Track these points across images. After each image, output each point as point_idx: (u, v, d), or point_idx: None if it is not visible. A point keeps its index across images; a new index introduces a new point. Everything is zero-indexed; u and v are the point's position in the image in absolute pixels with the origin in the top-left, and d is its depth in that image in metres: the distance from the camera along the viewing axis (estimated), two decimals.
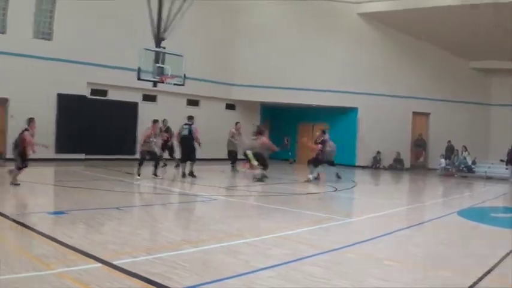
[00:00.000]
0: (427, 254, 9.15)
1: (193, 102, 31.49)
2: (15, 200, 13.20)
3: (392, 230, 11.28)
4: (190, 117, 21.13)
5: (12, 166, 15.34)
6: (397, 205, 16.31)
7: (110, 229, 10.00)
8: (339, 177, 21.79)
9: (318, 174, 21.71)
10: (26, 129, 15.16)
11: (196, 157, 20.65)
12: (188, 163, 20.41)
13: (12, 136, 23.11)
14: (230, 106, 34.01)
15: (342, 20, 32.76)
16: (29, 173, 19.53)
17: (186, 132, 20.47)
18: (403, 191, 22.84)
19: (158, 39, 22.00)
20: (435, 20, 29.10)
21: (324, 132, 22.63)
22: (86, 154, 26.24)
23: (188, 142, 20.47)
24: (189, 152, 20.41)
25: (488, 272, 7.57)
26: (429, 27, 30.71)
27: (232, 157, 24.24)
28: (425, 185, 25.27)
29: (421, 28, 31.54)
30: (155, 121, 20.41)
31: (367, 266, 7.91)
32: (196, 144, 20.64)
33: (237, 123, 24.69)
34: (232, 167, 24.17)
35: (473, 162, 29.96)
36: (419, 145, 34.00)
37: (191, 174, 20.21)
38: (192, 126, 20.69)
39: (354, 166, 31.23)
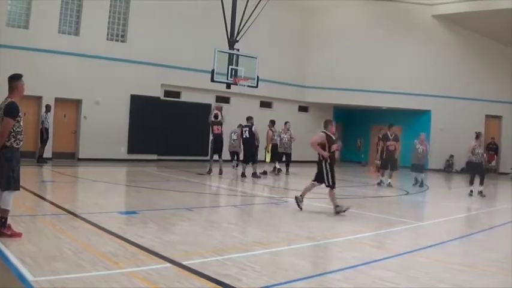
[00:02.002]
0: (500, 258, 8.75)
1: (266, 104, 31.50)
2: (87, 200, 13.38)
3: (464, 234, 11.03)
4: (249, 118, 21.34)
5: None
6: (469, 209, 15.88)
7: (180, 229, 10.00)
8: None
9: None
10: (323, 131, 13.01)
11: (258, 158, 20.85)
12: (247, 164, 20.78)
13: (86, 137, 23.70)
14: (303, 108, 33.90)
15: (416, 22, 32.16)
16: (101, 173, 19.94)
17: (246, 134, 20.75)
18: (475, 194, 22.18)
19: (232, 42, 22.03)
20: (510, 21, 28.17)
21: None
22: (158, 155, 26.56)
23: (249, 143, 20.80)
24: (250, 154, 20.77)
25: None
26: (503, 29, 29.85)
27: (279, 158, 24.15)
28: (497, 189, 24.58)
29: (494, 29, 30.67)
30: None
31: (438, 270, 7.66)
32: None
33: (286, 122, 24.35)
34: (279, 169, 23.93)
35: None
36: (491, 149, 33.05)
37: (254, 175, 20.61)
38: (253, 127, 20.88)
39: (427, 169, 30.52)
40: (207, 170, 21.41)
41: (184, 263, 7.12)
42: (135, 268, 6.75)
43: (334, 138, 12.83)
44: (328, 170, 12.62)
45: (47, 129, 21.78)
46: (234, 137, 23.25)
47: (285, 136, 23.73)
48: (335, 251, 8.60)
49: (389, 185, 20.17)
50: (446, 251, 9.17)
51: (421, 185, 20.90)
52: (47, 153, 22.25)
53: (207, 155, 27.04)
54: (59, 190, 15.19)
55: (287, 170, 23.74)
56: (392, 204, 16.45)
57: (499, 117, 33.34)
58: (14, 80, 8.18)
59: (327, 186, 12.74)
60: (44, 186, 15.96)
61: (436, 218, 13.52)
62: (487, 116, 33.09)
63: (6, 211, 8.02)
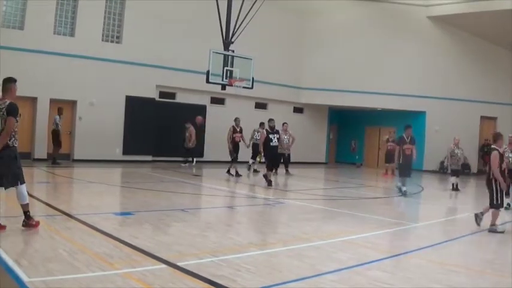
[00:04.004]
0: (495, 260, 8.81)
1: (261, 106, 31.46)
2: (82, 201, 13.37)
3: (459, 235, 11.01)
4: (271, 120, 20.07)
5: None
6: (464, 210, 15.89)
7: (176, 230, 10.01)
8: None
9: None
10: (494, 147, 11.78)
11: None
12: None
13: (81, 138, 23.63)
14: (298, 109, 33.88)
15: (411, 23, 32.15)
16: (96, 174, 19.90)
17: (275, 141, 19.43)
18: (470, 196, 22.20)
19: (227, 43, 22.01)
20: (506, 22, 28.25)
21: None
22: (153, 156, 26.49)
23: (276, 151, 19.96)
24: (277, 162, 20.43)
25: None
26: (496, 30, 29.98)
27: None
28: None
29: (488, 30, 30.79)
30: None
31: (433, 271, 7.69)
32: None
33: (284, 123, 24.17)
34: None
35: None
36: (486, 150, 33.13)
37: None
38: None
39: (421, 171, 30.54)
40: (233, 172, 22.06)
41: (179, 264, 7.12)
42: (130, 269, 6.76)
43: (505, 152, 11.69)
44: (498, 189, 11.51)
45: (57, 132, 21.97)
46: (187, 134, 24.58)
47: (286, 137, 23.55)
48: (330, 252, 8.59)
49: (404, 193, 17.87)
50: (442, 252, 9.19)
51: (457, 188, 20.80)
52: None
53: (202, 156, 27.21)
54: (54, 191, 15.16)
55: (286, 170, 23.76)
56: (387, 206, 16.47)
57: (494, 119, 33.37)
58: (9, 82, 8.64)
59: (492, 206, 11.61)
60: (39, 187, 15.93)
61: (431, 219, 13.55)
62: (482, 117, 33.11)
63: (27, 205, 8.62)
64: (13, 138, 8.42)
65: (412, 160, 18.13)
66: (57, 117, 22.13)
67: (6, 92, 8.56)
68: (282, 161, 23.66)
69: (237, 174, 21.83)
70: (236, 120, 22.96)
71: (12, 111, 8.30)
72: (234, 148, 22.55)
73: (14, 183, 8.48)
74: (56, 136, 22.06)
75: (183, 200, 14.79)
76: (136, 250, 7.79)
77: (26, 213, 8.59)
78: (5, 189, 8.62)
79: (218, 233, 10.04)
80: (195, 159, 26.08)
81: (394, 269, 7.78)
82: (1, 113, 8.33)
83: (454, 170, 21.13)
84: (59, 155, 22.43)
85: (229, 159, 22.72)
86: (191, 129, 25.17)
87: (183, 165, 25.14)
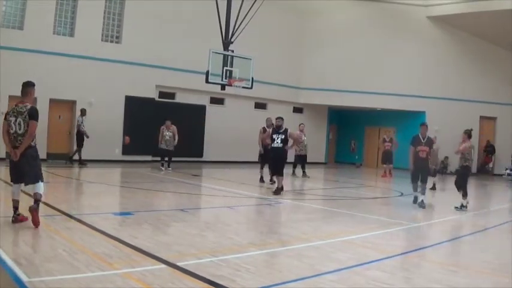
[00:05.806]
0: (494, 260, 8.79)
1: (260, 106, 31.44)
2: (81, 201, 13.37)
3: (458, 235, 11.05)
4: (280, 119, 17.57)
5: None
6: (463, 210, 15.87)
7: (175, 230, 10.01)
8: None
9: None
10: None
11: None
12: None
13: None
14: (297, 109, 33.87)
15: (411, 23, 32.17)
16: (96, 174, 19.90)
17: (278, 142, 17.07)
18: (470, 196, 22.17)
19: (226, 43, 21.99)
20: (505, 22, 28.27)
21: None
22: (152, 156, 26.40)
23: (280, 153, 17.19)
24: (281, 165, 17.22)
25: None
26: (495, 30, 30.00)
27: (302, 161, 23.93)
28: (492, 190, 24.59)
29: (487, 30, 30.87)
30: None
31: (433, 271, 7.69)
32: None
33: (300, 124, 24.02)
34: (304, 172, 23.45)
35: None
36: (488, 151, 33.07)
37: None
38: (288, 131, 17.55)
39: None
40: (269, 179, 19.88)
41: (179, 264, 7.13)
42: (130, 269, 6.76)
43: None
44: None
45: (83, 133, 22.35)
46: (170, 133, 23.08)
47: (305, 138, 23.44)
48: (329, 252, 8.59)
49: (421, 204, 15.18)
50: (441, 252, 9.21)
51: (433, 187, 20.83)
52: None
53: (201, 156, 27.19)
54: (53, 191, 15.07)
55: (303, 172, 23.31)
56: (387, 206, 16.48)
57: (493, 119, 33.39)
58: (29, 86, 9.47)
59: None
60: None
61: (431, 219, 13.56)
62: (481, 117, 33.11)
63: (41, 196, 9.10)
64: (34, 139, 9.21)
65: (427, 164, 15.67)
66: (80, 118, 22.52)
67: (26, 95, 9.34)
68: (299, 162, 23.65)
69: (261, 180, 20.11)
70: (267, 120, 20.77)
71: (34, 115, 9.10)
72: (265, 151, 19.98)
73: (34, 181, 9.09)
74: (78, 137, 22.52)
75: (182, 200, 14.78)
76: (135, 250, 7.79)
77: (37, 203, 8.88)
78: (25, 185, 9.25)
79: (217, 233, 10.03)
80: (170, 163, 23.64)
81: (394, 269, 7.78)
82: (23, 116, 9.03)
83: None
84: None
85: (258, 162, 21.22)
86: (175, 129, 24.12)
87: (168, 169, 22.89)
